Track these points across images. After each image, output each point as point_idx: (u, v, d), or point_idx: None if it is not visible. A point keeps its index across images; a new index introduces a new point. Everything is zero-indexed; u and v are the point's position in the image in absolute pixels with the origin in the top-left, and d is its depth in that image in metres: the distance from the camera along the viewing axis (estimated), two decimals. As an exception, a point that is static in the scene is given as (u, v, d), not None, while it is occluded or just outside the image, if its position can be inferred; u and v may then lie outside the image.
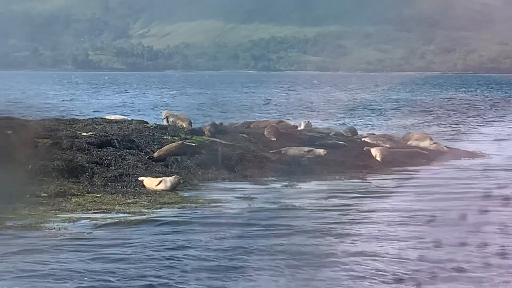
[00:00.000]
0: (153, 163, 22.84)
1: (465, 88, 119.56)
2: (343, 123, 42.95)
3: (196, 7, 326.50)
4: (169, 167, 22.78)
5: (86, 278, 11.85)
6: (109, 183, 20.67)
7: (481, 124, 44.97)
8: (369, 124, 44.96)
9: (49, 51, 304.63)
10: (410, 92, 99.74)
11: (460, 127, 43.70)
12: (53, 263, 12.73)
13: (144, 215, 17.08)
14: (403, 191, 21.05)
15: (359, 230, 15.48)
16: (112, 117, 29.31)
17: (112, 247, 13.95)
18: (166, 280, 11.78)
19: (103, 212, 17.32)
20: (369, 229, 15.65)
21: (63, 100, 77.77)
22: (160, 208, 17.99)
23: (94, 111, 53.43)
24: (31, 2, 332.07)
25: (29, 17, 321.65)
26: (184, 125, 26.06)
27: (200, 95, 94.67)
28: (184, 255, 13.27)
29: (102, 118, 29.00)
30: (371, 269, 12.35)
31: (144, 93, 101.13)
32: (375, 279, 11.85)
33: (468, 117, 50.82)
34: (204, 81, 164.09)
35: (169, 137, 24.84)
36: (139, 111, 57.75)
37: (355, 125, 41.42)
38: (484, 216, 16.82)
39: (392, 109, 60.22)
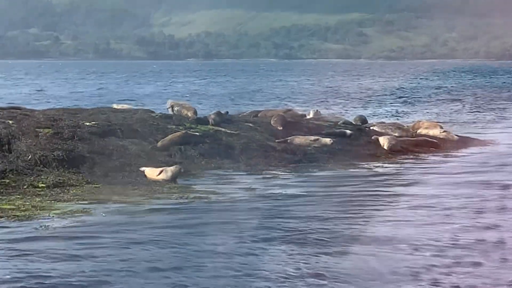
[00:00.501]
0: (156, 152, 22.63)
1: (487, 76, 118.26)
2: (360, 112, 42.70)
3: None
4: (172, 156, 22.56)
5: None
6: (109, 174, 20.41)
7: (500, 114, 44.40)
8: (391, 112, 44.63)
9: (70, 40, 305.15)
10: (429, 80, 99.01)
11: (480, 115, 43.25)
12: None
13: (139, 205, 16.87)
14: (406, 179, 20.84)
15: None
16: (119, 106, 29.07)
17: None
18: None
19: (99, 203, 17.11)
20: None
21: (100, 89, 77.80)
22: (158, 198, 17.77)
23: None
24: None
25: (50, 6, 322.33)
26: (189, 114, 25.81)
27: (229, 83, 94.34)
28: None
29: (108, 107, 28.82)
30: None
31: (171, 82, 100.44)
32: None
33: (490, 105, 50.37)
34: (230, 69, 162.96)
35: (174, 126, 24.61)
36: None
37: (378, 113, 41.25)
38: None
39: (415, 97, 59.76)
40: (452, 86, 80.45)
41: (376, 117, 39.85)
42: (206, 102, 52.32)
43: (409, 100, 54.81)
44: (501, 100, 55.06)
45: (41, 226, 14.56)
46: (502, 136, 30.58)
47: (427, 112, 44.62)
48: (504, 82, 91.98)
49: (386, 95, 61.90)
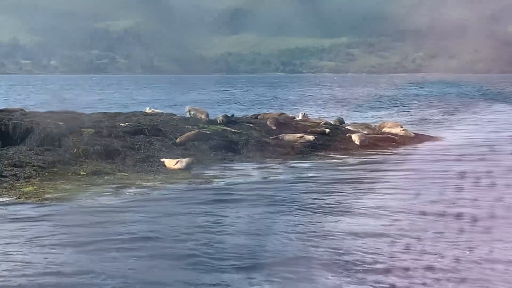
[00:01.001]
0: (175, 147, 22.40)
1: (445, 86, 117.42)
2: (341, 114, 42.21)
3: (236, 24, 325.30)
4: (187, 150, 22.31)
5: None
6: (137, 164, 20.22)
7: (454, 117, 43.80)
8: (371, 114, 44.12)
9: (123, 59, 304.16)
10: (396, 90, 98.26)
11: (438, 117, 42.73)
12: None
13: (156, 189, 16.66)
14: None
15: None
16: (150, 110, 28.73)
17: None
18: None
19: (125, 187, 16.91)
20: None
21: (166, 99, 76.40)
22: (171, 183, 17.55)
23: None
24: (109, 21, 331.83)
25: (107, 32, 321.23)
26: (203, 117, 25.52)
27: (249, 92, 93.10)
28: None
29: (140, 111, 28.54)
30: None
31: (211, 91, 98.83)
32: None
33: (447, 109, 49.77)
34: (249, 81, 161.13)
35: (190, 126, 24.33)
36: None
37: (359, 115, 41.02)
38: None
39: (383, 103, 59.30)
40: (417, 94, 79.63)
41: (357, 118, 39.28)
42: (234, 107, 51.71)
43: (385, 105, 54.29)
44: (456, 105, 54.46)
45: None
46: (451, 134, 30.16)
47: (399, 113, 44.14)
48: (460, 92, 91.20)
49: (369, 100, 61.27)
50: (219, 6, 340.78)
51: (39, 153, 20.11)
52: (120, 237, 11.60)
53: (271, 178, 18.32)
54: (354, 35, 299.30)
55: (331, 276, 9.35)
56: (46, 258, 10.36)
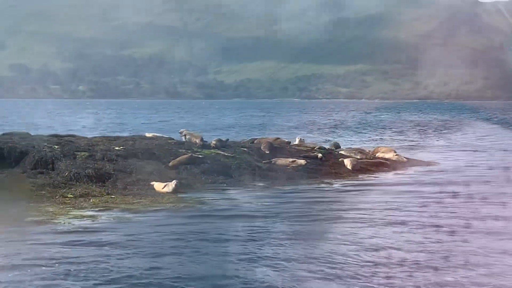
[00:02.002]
0: (168, 170, 21.90)
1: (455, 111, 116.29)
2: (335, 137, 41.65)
3: (256, 52, 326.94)
4: (180, 173, 21.81)
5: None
6: (128, 187, 19.70)
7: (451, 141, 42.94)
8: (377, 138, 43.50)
9: (148, 84, 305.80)
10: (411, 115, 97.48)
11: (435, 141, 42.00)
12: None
13: (136, 212, 16.16)
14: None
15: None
16: (150, 134, 28.29)
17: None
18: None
19: (107, 209, 16.42)
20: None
21: (165, 121, 76.78)
22: (154, 207, 17.03)
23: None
24: (134, 48, 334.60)
25: (132, 59, 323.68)
26: (197, 141, 25.05)
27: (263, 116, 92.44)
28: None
29: (139, 135, 28.07)
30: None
31: (222, 115, 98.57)
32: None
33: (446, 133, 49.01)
34: (265, 106, 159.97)
35: (183, 150, 23.84)
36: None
37: (364, 139, 40.35)
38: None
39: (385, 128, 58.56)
40: (423, 120, 78.83)
41: (356, 143, 38.70)
42: (239, 130, 51.50)
43: (394, 129, 53.63)
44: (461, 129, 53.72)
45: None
46: (445, 160, 29.47)
47: (400, 139, 43.49)
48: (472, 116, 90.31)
49: (377, 126, 60.60)
50: (240, 34, 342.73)
51: (32, 176, 19.73)
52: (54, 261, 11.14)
53: (253, 203, 17.69)
54: (369, 62, 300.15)
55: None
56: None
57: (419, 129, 53.70)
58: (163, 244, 12.55)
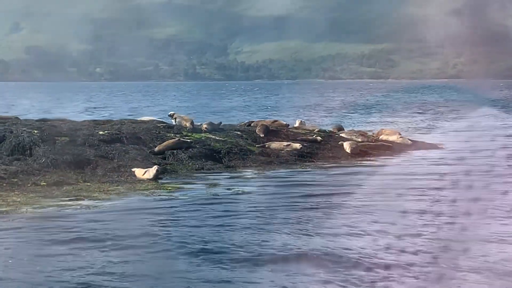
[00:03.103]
0: (153, 156, 21.43)
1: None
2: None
3: (278, 31, 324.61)
4: (166, 159, 21.35)
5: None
6: (108, 173, 19.26)
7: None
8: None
9: (167, 66, 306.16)
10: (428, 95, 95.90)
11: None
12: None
13: (108, 201, 15.68)
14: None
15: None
16: (145, 118, 27.72)
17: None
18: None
19: (78, 199, 15.94)
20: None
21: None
22: (128, 195, 16.54)
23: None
24: (153, 28, 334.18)
25: (152, 40, 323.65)
26: (187, 125, 24.49)
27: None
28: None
29: (131, 119, 27.50)
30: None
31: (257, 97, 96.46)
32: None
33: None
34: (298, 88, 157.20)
35: (172, 135, 23.32)
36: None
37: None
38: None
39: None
40: (444, 100, 77.18)
41: (370, 124, 37.86)
42: (245, 112, 50.79)
43: (410, 110, 52.51)
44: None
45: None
46: (451, 142, 28.66)
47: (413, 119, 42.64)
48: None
49: (390, 107, 59.50)
50: (261, 13, 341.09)
51: (7, 162, 19.31)
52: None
53: (234, 190, 17.10)
54: (395, 40, 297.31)
55: None
56: None
57: (437, 111, 52.56)
58: (107, 237, 12.05)
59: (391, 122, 39.85)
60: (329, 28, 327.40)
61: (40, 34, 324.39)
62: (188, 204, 15.22)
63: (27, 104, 68.28)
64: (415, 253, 10.63)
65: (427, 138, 29.00)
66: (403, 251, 10.69)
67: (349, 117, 44.73)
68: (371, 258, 10.32)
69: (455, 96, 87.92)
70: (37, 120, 26.27)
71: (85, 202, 15.44)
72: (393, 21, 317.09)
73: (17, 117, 27.60)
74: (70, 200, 15.79)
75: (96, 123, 25.63)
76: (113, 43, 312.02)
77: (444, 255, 10.53)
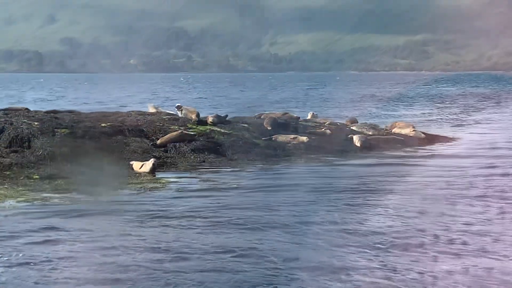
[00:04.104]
0: (154, 148, 21.00)
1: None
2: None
3: (312, 22, 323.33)
4: (167, 152, 20.92)
5: None
6: (105, 166, 18.89)
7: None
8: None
9: (199, 58, 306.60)
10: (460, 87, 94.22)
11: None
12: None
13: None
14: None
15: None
16: (152, 109, 27.20)
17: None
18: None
19: (66, 192, 15.55)
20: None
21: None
22: (117, 189, 16.10)
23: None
24: (186, 20, 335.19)
25: (185, 32, 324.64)
26: (193, 117, 23.99)
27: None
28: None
29: (139, 111, 26.98)
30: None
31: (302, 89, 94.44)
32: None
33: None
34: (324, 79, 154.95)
35: (176, 127, 22.86)
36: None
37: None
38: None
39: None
40: (475, 92, 75.65)
41: (391, 117, 37.01)
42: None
43: (435, 103, 51.40)
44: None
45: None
46: (469, 135, 27.87)
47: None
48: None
49: (414, 100, 58.29)
50: (295, 4, 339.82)
51: (4, 155, 19.03)
52: None
53: (226, 186, 16.55)
54: (429, 32, 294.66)
55: None
56: None
57: (465, 103, 51.45)
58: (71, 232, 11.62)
59: (413, 115, 39.05)
60: (363, 20, 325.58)
61: (75, 26, 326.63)
62: (162, 200, 14.68)
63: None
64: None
65: (448, 132, 28.26)
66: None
67: (371, 109, 43.76)
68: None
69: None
70: (45, 112, 25.93)
71: (71, 195, 15.05)
72: (428, 12, 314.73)
73: (27, 108, 27.34)
74: (57, 193, 15.40)
75: (103, 114, 25.21)
76: (146, 35, 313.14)
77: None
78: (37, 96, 73.10)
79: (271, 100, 60.40)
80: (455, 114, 40.50)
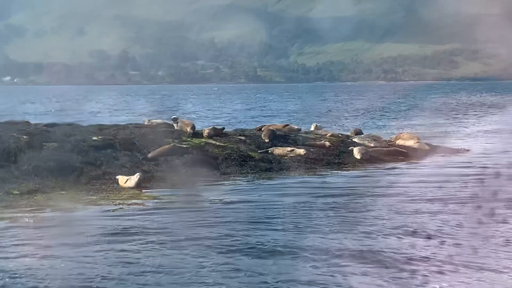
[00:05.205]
0: (145, 162, 20.45)
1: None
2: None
3: (339, 33, 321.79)
4: (158, 166, 20.36)
5: None
6: (91, 181, 18.43)
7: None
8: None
9: (227, 68, 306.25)
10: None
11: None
12: None
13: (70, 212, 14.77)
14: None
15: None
16: (148, 121, 26.57)
17: None
18: None
19: (40, 209, 15.05)
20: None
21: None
22: (97, 205, 15.58)
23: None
24: (214, 32, 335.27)
25: (212, 43, 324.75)
26: (188, 129, 23.44)
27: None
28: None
29: (137, 124, 26.42)
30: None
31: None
32: None
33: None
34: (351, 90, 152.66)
35: (170, 140, 22.31)
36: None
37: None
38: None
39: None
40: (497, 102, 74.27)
41: (398, 128, 36.24)
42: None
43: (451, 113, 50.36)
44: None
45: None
46: (479, 146, 27.03)
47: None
48: None
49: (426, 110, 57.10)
50: (322, 15, 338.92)
51: (-12, 170, 18.60)
52: None
53: (210, 202, 15.97)
54: (458, 41, 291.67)
55: None
56: None
57: (480, 112, 50.42)
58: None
59: (421, 125, 38.17)
60: (392, 29, 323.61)
61: (104, 38, 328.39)
62: (130, 216, 14.14)
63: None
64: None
65: (457, 143, 27.43)
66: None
67: (383, 120, 42.95)
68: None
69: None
70: (45, 125, 25.47)
71: (42, 214, 14.54)
72: (457, 22, 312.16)
73: (27, 122, 26.99)
74: (31, 211, 14.88)
75: (99, 127, 24.76)
76: (175, 46, 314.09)
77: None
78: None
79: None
80: (467, 124, 39.58)
